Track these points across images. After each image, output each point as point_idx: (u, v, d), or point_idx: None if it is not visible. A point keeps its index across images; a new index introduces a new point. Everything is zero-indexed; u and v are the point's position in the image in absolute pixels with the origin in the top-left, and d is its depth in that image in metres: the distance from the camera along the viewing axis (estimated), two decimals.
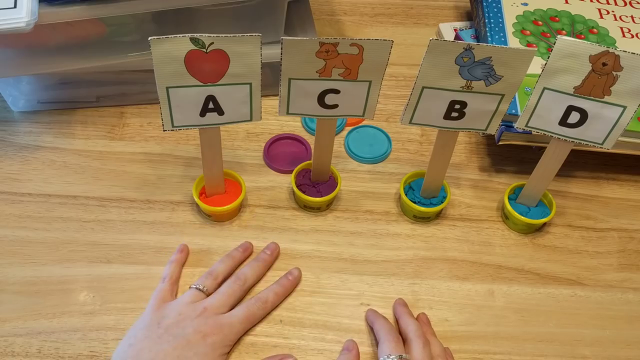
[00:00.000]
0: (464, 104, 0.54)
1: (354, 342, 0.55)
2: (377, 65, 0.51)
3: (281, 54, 0.50)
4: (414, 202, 0.63)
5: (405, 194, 0.64)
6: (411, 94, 0.53)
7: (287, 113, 0.55)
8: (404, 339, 0.53)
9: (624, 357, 0.56)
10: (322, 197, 0.63)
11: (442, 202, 0.63)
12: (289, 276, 0.59)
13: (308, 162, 0.65)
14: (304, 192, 0.63)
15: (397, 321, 0.56)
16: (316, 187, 0.64)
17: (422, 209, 0.62)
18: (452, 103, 0.54)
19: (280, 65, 0.50)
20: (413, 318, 0.55)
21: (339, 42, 0.49)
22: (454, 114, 0.55)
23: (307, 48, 0.49)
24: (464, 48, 0.49)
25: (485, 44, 0.49)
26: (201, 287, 0.55)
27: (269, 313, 0.57)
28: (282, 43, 0.49)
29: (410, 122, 0.55)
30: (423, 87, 0.52)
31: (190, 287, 0.56)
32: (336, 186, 0.64)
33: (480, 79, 0.52)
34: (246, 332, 0.55)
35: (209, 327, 0.52)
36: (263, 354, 0.54)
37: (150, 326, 0.52)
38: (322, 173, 0.64)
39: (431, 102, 0.54)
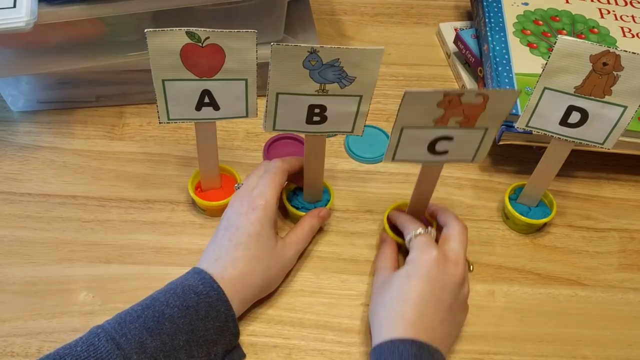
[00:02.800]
0: (323, 108, 0.53)
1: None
2: (497, 114, 0.49)
3: (400, 105, 0.47)
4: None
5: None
6: (267, 101, 0.52)
7: (393, 160, 0.53)
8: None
9: (624, 357, 0.56)
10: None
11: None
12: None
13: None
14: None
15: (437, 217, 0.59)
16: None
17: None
18: (311, 107, 0.53)
19: (397, 116, 0.48)
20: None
21: (464, 93, 0.47)
22: (316, 118, 0.54)
23: (430, 99, 0.47)
24: (308, 51, 0.48)
25: (331, 46, 0.48)
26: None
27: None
28: (403, 96, 0.46)
29: (273, 129, 0.54)
30: (277, 93, 0.51)
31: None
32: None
33: (334, 82, 0.51)
34: (246, 333, 0.55)
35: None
36: (263, 354, 0.54)
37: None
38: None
39: (290, 108, 0.52)
